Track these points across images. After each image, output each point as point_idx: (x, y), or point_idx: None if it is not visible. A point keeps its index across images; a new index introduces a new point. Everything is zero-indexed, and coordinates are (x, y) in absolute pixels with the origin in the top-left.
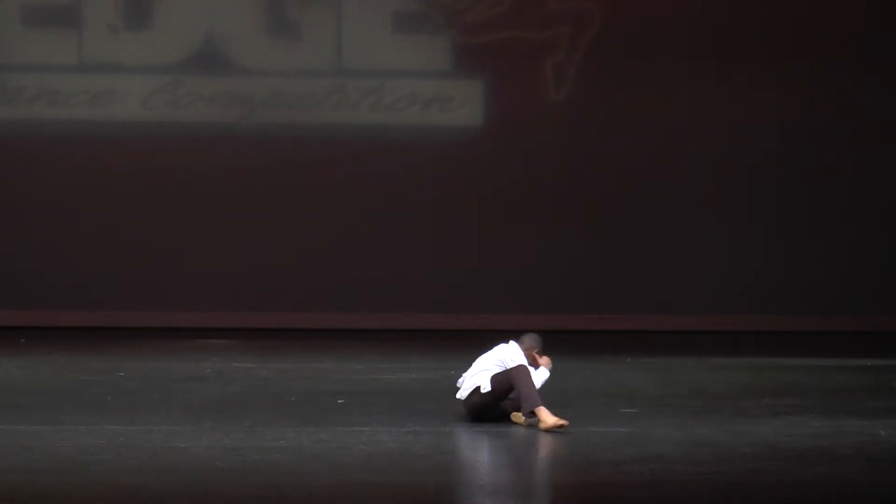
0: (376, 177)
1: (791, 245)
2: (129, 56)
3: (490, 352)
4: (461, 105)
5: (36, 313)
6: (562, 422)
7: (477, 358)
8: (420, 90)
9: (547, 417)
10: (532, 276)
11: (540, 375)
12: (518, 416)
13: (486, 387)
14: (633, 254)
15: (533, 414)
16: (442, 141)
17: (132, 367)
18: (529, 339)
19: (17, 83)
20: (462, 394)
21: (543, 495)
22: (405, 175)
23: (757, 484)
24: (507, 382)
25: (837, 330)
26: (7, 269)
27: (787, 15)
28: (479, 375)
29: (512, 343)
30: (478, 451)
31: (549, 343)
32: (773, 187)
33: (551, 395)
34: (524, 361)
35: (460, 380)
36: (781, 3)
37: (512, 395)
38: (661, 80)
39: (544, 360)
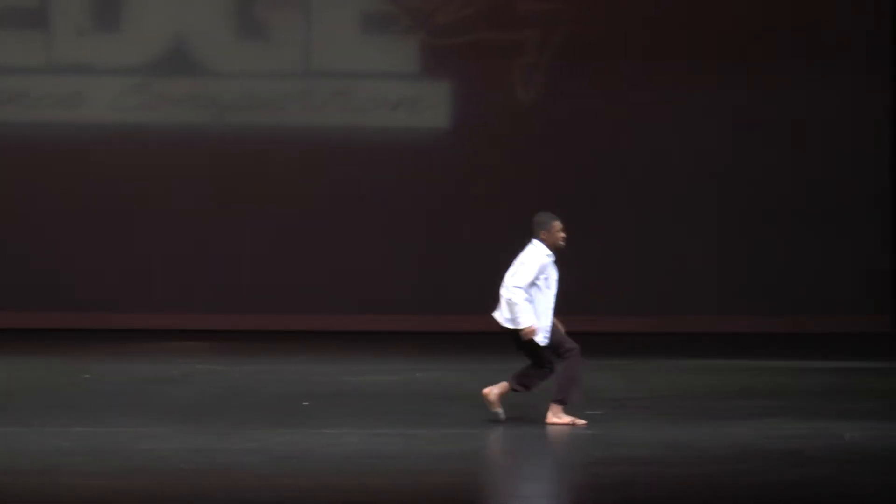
0: (344, 178)
1: (762, 247)
2: (99, 58)
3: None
4: (429, 106)
5: (5, 315)
6: (579, 421)
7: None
8: (388, 91)
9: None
10: (500, 277)
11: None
12: (491, 393)
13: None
14: (601, 255)
15: (524, 388)
16: (410, 142)
17: (102, 370)
18: (542, 221)
19: None
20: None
21: (512, 497)
22: (373, 176)
23: (726, 485)
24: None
25: (808, 332)
26: None
27: (754, 17)
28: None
29: (533, 244)
30: (445, 454)
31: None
32: (742, 189)
33: (518, 395)
34: (531, 321)
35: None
36: (748, 5)
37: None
38: (628, 81)
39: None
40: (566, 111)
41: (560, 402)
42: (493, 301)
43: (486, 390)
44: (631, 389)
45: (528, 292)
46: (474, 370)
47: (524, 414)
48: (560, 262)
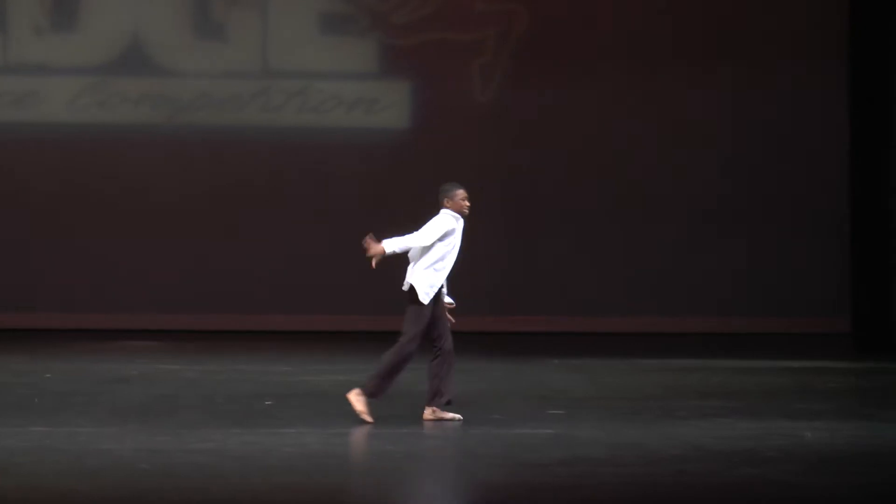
0: (302, 178)
1: (722, 248)
2: (55, 57)
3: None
4: (387, 106)
5: None
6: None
7: None
8: (346, 92)
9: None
10: (457, 278)
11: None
12: (356, 398)
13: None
14: (560, 255)
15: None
16: (368, 142)
17: (58, 369)
18: (446, 189)
19: None
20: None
21: (470, 497)
22: (332, 177)
23: (683, 485)
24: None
25: (765, 332)
26: None
27: (722, 15)
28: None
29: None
30: (404, 453)
31: (474, 344)
32: (711, 189)
33: (477, 396)
34: (389, 246)
35: None
36: (712, 4)
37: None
38: (587, 80)
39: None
40: (525, 110)
41: (369, 392)
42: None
43: (351, 395)
44: (590, 389)
45: (420, 243)
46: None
47: (485, 415)
48: (514, 262)
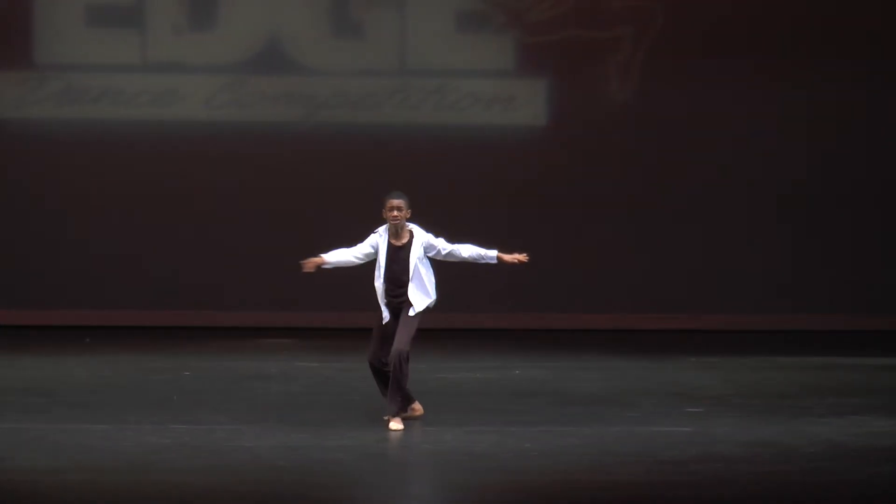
0: (438, 177)
1: (852, 244)
2: (193, 56)
3: None
4: (524, 104)
5: (101, 313)
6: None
7: None
8: (483, 90)
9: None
10: (597, 276)
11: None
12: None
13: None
14: (693, 252)
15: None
16: (504, 140)
17: (195, 367)
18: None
19: (82, 84)
20: None
21: (607, 494)
22: (467, 175)
23: (820, 484)
24: None
25: None
26: (76, 268)
27: (853, 14)
28: None
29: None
30: (539, 451)
31: (612, 342)
32: (837, 183)
33: (614, 394)
34: (327, 258)
35: None
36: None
37: None
38: (724, 78)
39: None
40: (662, 108)
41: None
42: (582, 300)
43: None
44: (726, 386)
45: (360, 258)
46: (557, 367)
47: (622, 413)
48: (660, 257)
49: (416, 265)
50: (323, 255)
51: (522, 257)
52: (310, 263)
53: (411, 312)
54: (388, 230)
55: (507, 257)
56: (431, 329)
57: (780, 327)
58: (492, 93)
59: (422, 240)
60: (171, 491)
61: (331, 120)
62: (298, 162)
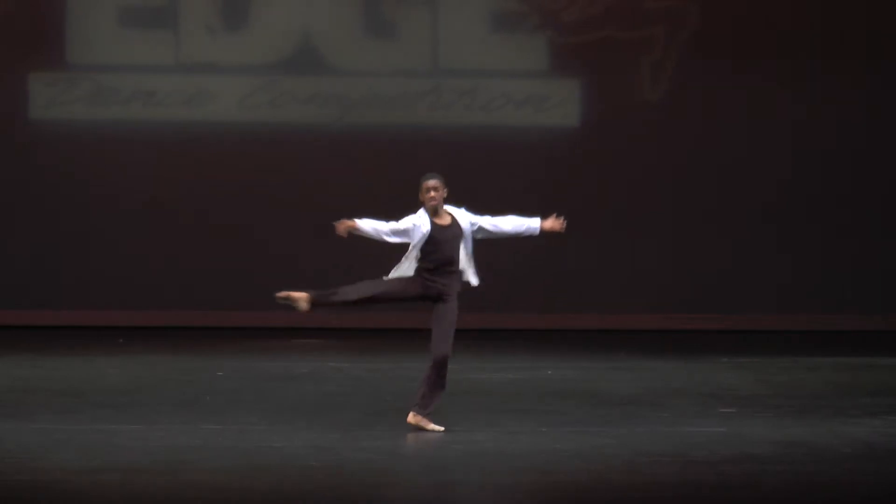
0: (470, 177)
1: (884, 243)
2: (225, 57)
3: None
4: (557, 105)
5: (133, 313)
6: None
7: None
8: (516, 90)
9: None
10: (632, 276)
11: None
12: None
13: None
14: (727, 253)
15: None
16: (538, 140)
17: (227, 367)
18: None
19: (114, 84)
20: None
21: (639, 494)
22: (499, 175)
23: (854, 484)
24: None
25: None
26: (108, 268)
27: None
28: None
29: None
30: (571, 452)
31: (644, 342)
32: (869, 184)
33: (647, 394)
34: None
35: None
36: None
37: None
38: (756, 79)
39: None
40: (696, 108)
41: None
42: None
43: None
44: (759, 387)
45: (391, 235)
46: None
47: (654, 413)
48: (692, 258)
49: (466, 241)
50: (356, 220)
51: (561, 221)
52: (342, 226)
53: (453, 300)
54: (428, 212)
55: (548, 224)
56: (462, 329)
57: (813, 328)
58: (525, 93)
59: (466, 217)
60: (202, 491)
61: (363, 120)
62: (331, 162)
